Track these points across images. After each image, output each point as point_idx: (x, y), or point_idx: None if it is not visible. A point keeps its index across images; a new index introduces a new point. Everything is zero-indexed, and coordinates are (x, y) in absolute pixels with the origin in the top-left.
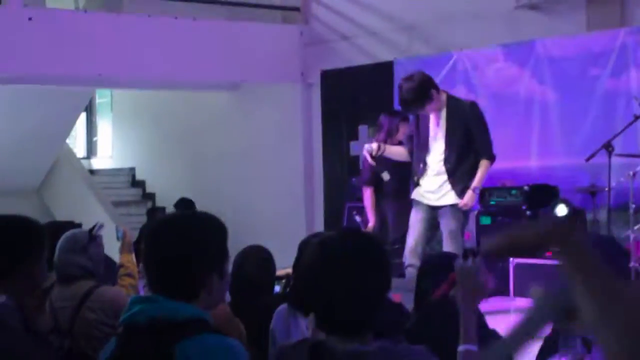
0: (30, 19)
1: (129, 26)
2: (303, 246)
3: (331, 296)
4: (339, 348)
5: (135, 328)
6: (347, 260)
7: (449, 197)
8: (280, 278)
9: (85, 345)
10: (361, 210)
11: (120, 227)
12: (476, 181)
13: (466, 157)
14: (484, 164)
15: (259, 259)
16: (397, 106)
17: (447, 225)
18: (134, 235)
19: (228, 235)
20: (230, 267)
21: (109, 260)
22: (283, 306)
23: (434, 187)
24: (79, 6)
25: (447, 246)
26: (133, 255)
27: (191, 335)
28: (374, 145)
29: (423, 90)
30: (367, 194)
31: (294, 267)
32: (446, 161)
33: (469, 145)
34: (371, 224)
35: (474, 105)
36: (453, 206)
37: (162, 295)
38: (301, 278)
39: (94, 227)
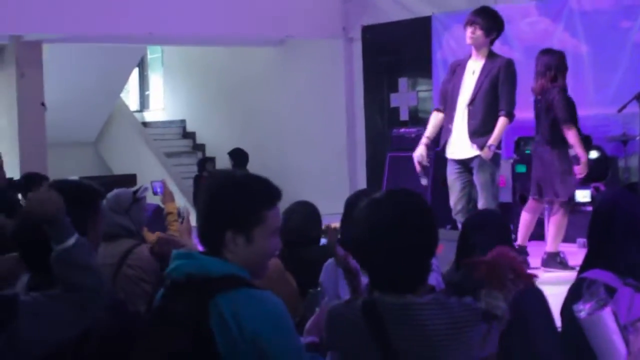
0: None
1: None
2: (350, 204)
3: (382, 257)
4: (392, 301)
5: (175, 285)
6: (395, 221)
7: (474, 149)
8: (331, 230)
9: (125, 301)
10: None
11: (156, 183)
12: (492, 138)
13: (490, 112)
14: (501, 121)
15: (305, 213)
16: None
17: (477, 177)
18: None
19: (269, 201)
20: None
21: (159, 209)
22: (331, 260)
23: (460, 141)
24: None
25: (480, 197)
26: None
27: (224, 292)
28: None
29: (489, 20)
30: None
31: (342, 223)
32: (471, 114)
33: (495, 100)
34: None
35: (510, 62)
36: (478, 157)
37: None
38: (351, 240)
39: (138, 189)
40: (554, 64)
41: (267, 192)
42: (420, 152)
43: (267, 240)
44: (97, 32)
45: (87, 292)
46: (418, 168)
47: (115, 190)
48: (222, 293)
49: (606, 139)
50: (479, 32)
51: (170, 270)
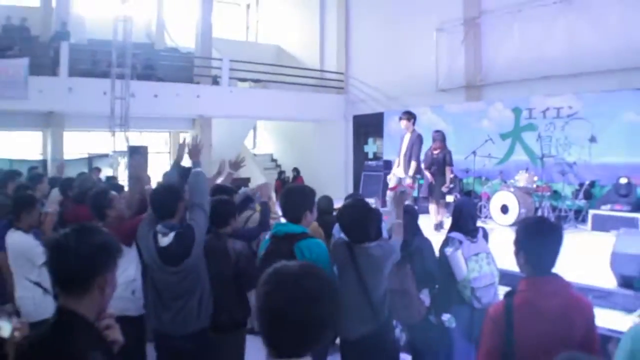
0: (231, 91)
1: (269, 94)
2: (348, 197)
3: (352, 227)
4: (358, 245)
5: (277, 236)
6: (356, 213)
7: (402, 174)
8: (335, 210)
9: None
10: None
11: (261, 184)
12: (410, 171)
13: (410, 160)
14: (413, 164)
15: (326, 200)
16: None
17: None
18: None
19: (315, 194)
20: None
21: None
22: (337, 224)
23: (399, 171)
24: (250, 86)
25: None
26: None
27: (301, 240)
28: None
29: (411, 117)
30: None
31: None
32: (406, 159)
33: (412, 153)
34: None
35: (419, 135)
36: (404, 177)
37: (288, 220)
38: (340, 221)
39: (253, 188)
40: (444, 138)
41: (312, 190)
42: (390, 177)
43: (315, 208)
44: (239, 113)
45: (203, 194)
46: (391, 184)
47: (243, 188)
48: (301, 240)
49: (460, 170)
50: (407, 123)
51: (275, 230)
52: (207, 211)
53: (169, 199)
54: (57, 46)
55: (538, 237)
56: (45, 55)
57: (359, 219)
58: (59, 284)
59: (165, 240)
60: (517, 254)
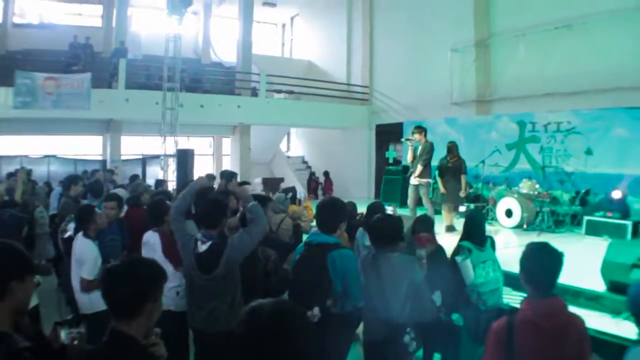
0: (268, 102)
1: (301, 105)
2: (370, 205)
3: (375, 235)
4: (380, 252)
5: (311, 245)
6: (381, 223)
7: (418, 180)
8: (360, 214)
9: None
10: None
11: (299, 189)
12: (416, 172)
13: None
14: (419, 167)
15: (352, 206)
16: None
17: (422, 192)
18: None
19: (345, 206)
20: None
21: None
22: (360, 228)
23: (415, 178)
24: (285, 97)
25: (423, 197)
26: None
27: (334, 249)
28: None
29: (423, 131)
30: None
31: (366, 215)
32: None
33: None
34: None
35: (431, 144)
36: (420, 184)
37: (322, 232)
38: (368, 227)
39: (287, 193)
40: (458, 148)
41: (345, 204)
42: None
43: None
44: (275, 121)
45: (256, 223)
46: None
47: (277, 194)
48: (334, 250)
49: (469, 176)
50: (419, 136)
51: (309, 239)
52: (252, 235)
53: (213, 212)
54: (116, 62)
55: (538, 262)
56: (106, 70)
57: (390, 231)
58: (112, 309)
59: (202, 247)
60: (520, 273)
